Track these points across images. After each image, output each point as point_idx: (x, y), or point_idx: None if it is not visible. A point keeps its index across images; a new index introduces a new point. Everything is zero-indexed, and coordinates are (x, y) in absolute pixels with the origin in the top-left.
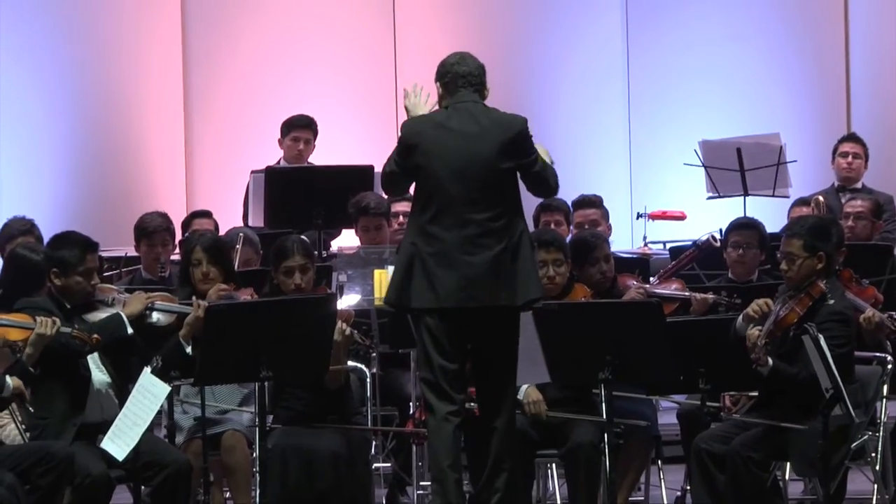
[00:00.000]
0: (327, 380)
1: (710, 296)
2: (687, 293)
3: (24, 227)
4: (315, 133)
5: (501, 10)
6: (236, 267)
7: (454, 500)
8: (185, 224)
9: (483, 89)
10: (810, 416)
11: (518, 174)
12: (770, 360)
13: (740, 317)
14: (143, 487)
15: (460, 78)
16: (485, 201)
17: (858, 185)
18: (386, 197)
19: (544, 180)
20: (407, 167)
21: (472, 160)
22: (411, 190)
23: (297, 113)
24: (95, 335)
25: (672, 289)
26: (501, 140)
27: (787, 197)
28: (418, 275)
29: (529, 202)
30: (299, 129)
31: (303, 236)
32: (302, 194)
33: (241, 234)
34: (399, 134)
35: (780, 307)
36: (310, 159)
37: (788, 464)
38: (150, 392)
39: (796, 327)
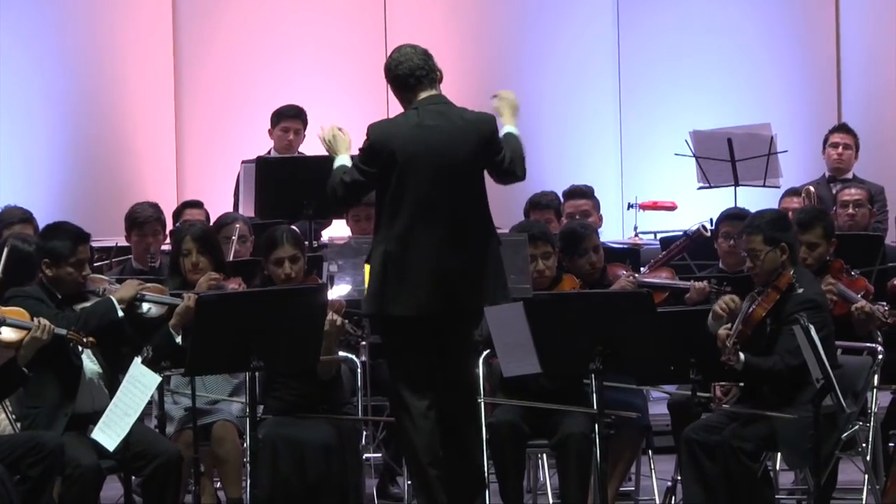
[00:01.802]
0: (319, 370)
1: (703, 284)
2: (677, 282)
3: (24, 216)
4: (305, 123)
5: None
6: (233, 244)
7: (438, 498)
8: (176, 214)
9: (436, 75)
10: (795, 406)
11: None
12: (742, 357)
13: (710, 315)
14: (133, 478)
15: (409, 77)
16: (465, 203)
17: (849, 176)
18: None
19: (513, 172)
20: (377, 173)
21: (455, 161)
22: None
23: (287, 103)
24: (90, 338)
25: (662, 278)
26: (478, 141)
27: (778, 187)
28: (394, 280)
29: (518, 197)
30: (289, 119)
31: (293, 226)
32: (292, 184)
33: (237, 225)
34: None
35: (748, 304)
36: (300, 149)
37: (779, 454)
38: (140, 382)
39: (771, 321)
